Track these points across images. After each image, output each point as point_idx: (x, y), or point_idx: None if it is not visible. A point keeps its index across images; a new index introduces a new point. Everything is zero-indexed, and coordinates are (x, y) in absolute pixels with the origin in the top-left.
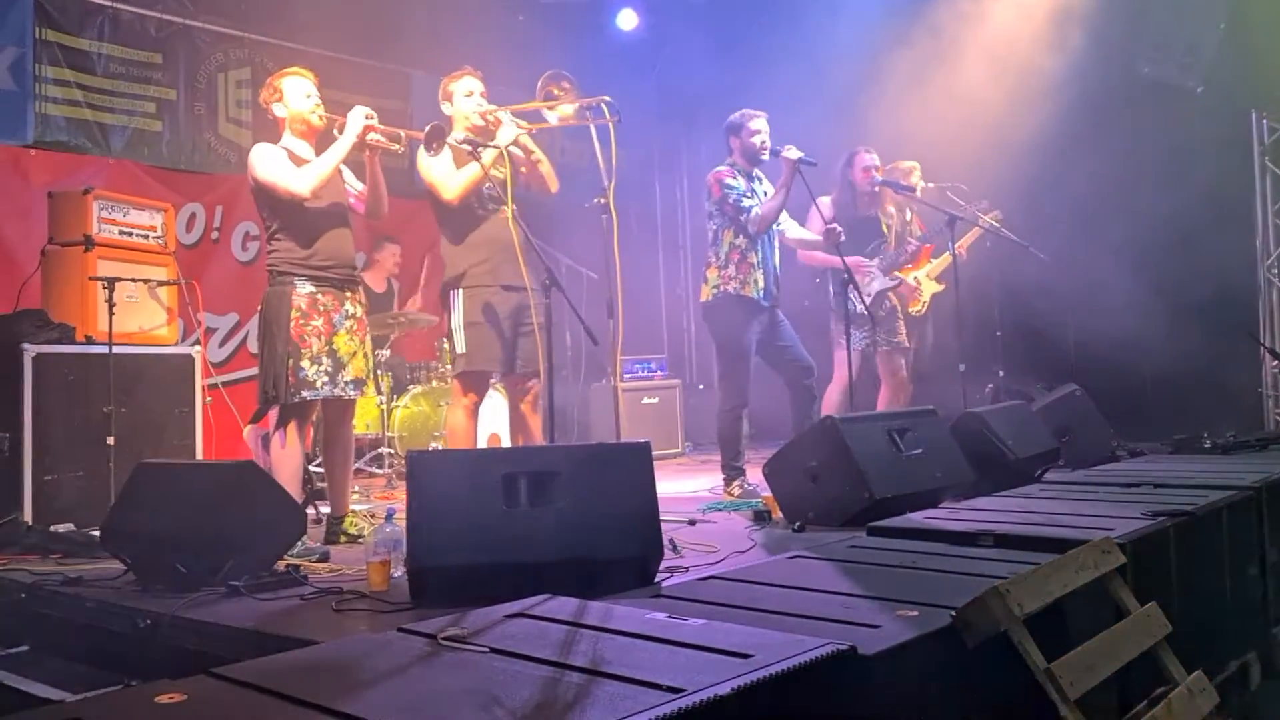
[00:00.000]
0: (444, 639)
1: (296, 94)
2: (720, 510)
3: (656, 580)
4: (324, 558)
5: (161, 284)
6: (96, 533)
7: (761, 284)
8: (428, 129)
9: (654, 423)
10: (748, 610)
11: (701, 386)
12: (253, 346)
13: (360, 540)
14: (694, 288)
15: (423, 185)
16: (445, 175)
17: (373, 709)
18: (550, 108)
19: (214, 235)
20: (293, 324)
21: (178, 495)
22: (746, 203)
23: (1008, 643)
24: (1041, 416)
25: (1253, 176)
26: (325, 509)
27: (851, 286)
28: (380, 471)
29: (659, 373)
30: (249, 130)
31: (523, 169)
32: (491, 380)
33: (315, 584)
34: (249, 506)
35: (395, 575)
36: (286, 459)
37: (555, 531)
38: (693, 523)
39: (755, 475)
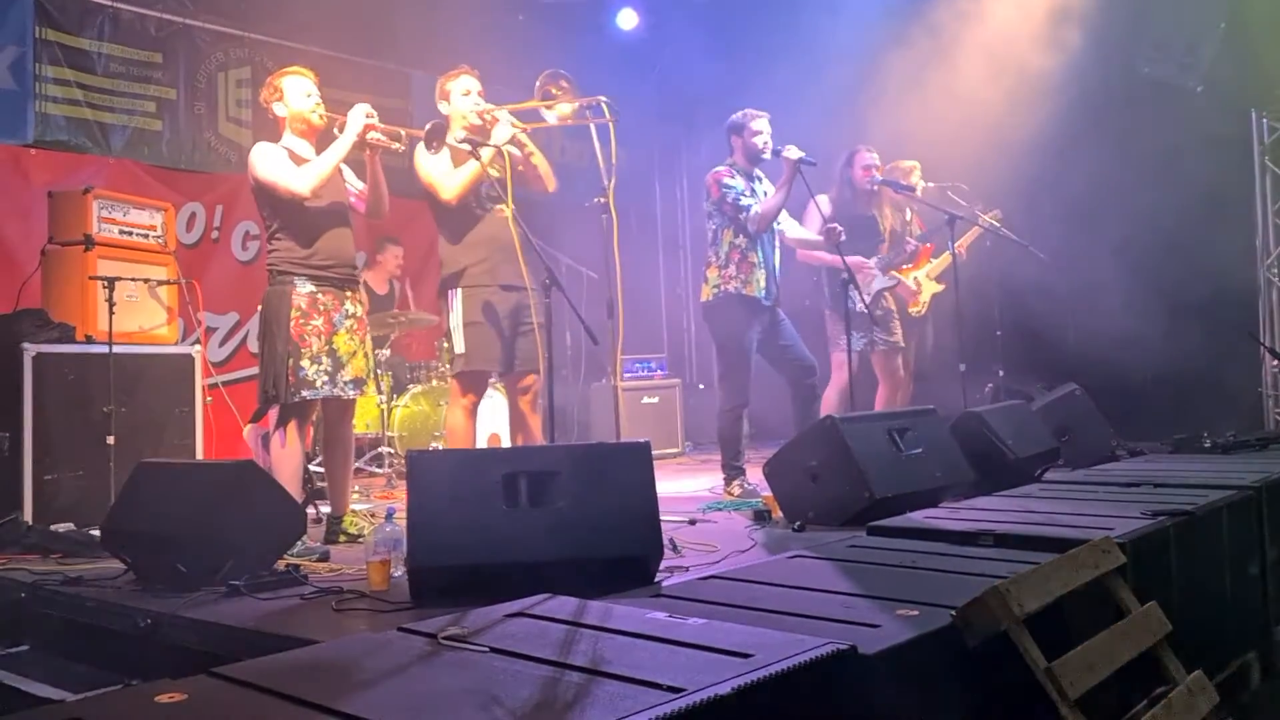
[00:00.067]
0: (444, 638)
1: (297, 93)
2: (720, 510)
3: (656, 580)
4: (324, 557)
5: (161, 283)
6: (96, 532)
7: (763, 283)
8: (428, 127)
9: (654, 422)
10: (748, 610)
11: (701, 386)
12: (253, 346)
13: (360, 540)
14: (694, 287)
15: (420, 185)
16: (443, 174)
17: (373, 708)
18: (548, 107)
19: (214, 235)
20: (293, 323)
21: (178, 495)
22: (745, 201)
23: (1008, 642)
24: (1041, 416)
25: (1253, 176)
26: (325, 508)
27: (852, 286)
28: (380, 471)
29: (659, 372)
30: (249, 129)
31: (520, 168)
32: (491, 380)
33: (315, 583)
34: (249, 506)
35: (395, 575)
36: (286, 458)
37: (555, 531)
38: (693, 522)
39: (755, 475)
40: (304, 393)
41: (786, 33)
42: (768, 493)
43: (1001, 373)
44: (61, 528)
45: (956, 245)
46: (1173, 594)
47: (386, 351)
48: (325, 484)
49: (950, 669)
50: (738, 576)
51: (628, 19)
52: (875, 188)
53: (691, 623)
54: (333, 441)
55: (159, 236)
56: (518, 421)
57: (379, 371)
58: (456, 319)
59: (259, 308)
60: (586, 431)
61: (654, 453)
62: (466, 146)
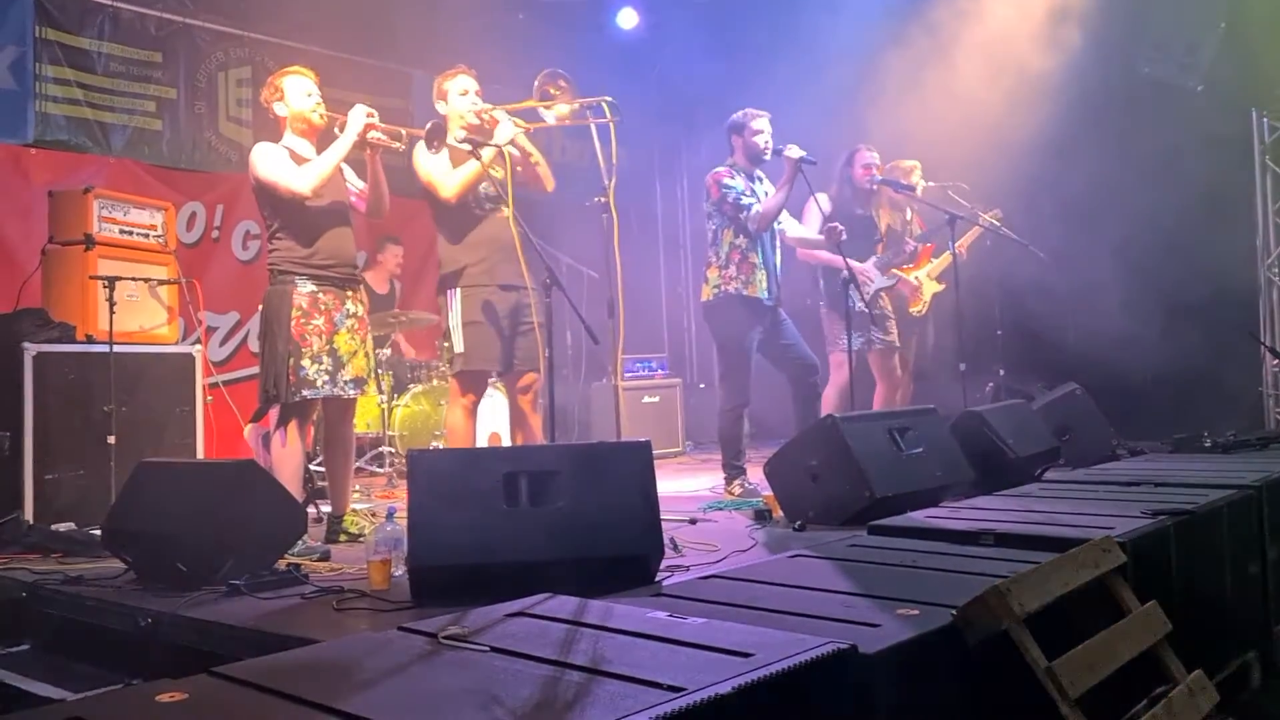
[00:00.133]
0: (445, 638)
1: (297, 93)
2: (721, 509)
3: (657, 579)
4: (324, 557)
5: (162, 283)
6: (97, 532)
7: (765, 284)
8: (429, 126)
9: (654, 422)
10: (748, 609)
11: (702, 385)
12: (253, 345)
13: (361, 539)
14: (694, 287)
15: (419, 184)
16: (443, 173)
17: (373, 708)
18: (547, 107)
19: (214, 234)
20: (293, 323)
21: (178, 494)
22: (746, 200)
23: (1008, 641)
24: (1042, 415)
25: (1253, 175)
26: (326, 508)
27: (852, 285)
28: (381, 470)
29: (659, 372)
30: (249, 129)
31: (519, 168)
32: (491, 379)
33: (316, 583)
34: (249, 505)
35: (396, 574)
36: (287, 458)
37: (556, 530)
38: (693, 522)
39: (756, 474)
40: (304, 392)
41: (786, 33)
42: (768, 492)
43: (1002, 372)
44: (62, 527)
45: (957, 245)
46: (1173, 593)
47: (387, 351)
48: (326, 483)
49: (951, 668)
50: (738, 576)
51: (628, 18)
52: (875, 187)
53: (692, 622)
54: (333, 441)
55: (159, 236)
56: (518, 419)
57: (379, 371)
58: (455, 318)
59: (259, 307)
60: (587, 431)
61: (654, 452)
62: (467, 146)
